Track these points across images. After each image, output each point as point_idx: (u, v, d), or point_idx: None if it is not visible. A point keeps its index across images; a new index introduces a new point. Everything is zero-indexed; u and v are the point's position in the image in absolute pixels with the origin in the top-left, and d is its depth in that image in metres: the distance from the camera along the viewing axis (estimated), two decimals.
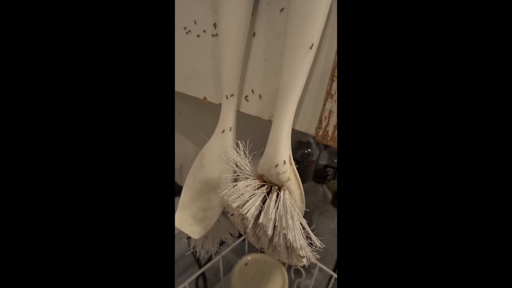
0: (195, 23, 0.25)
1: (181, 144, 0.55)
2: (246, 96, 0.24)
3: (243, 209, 0.19)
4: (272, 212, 0.19)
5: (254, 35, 0.22)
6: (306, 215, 0.68)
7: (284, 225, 0.18)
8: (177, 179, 0.56)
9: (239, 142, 0.22)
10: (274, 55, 0.21)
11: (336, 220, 0.51)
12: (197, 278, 0.47)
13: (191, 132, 0.55)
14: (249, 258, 0.47)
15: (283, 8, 0.20)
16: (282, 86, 0.19)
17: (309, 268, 0.50)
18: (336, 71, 0.18)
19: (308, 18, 0.16)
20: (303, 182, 0.70)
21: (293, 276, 0.49)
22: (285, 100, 0.19)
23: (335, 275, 0.45)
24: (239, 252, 0.54)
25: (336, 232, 0.50)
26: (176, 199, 0.55)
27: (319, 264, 0.45)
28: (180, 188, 0.54)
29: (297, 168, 0.63)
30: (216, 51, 0.24)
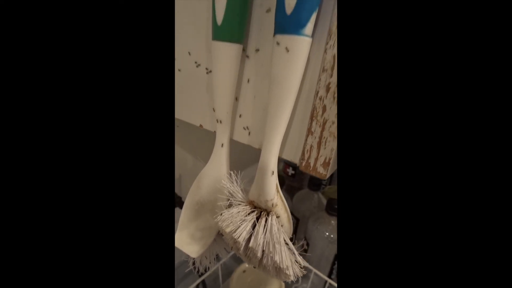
0: (189, 54, 0.27)
1: (180, 156, 0.58)
2: (238, 122, 0.26)
3: (235, 234, 0.21)
4: (260, 237, 0.21)
5: (244, 75, 0.24)
6: (301, 222, 0.70)
7: (271, 249, 0.21)
8: (176, 189, 0.58)
9: (232, 172, 0.24)
10: (262, 92, 0.23)
11: (330, 227, 0.53)
12: (197, 285, 0.49)
13: (189, 144, 0.57)
14: (247, 266, 0.49)
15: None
16: (269, 120, 0.21)
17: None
18: (315, 112, 0.20)
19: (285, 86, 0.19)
20: (299, 189, 0.73)
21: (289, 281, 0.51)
22: (272, 133, 0.21)
23: (329, 280, 0.48)
24: (238, 258, 0.56)
25: (330, 239, 0.53)
26: (176, 210, 0.58)
27: (314, 270, 0.47)
28: (179, 199, 0.57)
29: (293, 175, 0.65)
30: (210, 85, 0.27)
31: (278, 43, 0.18)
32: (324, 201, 0.63)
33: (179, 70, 0.28)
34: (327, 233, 0.53)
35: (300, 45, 0.18)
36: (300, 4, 0.16)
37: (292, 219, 0.66)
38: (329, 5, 0.17)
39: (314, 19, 0.17)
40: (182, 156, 0.57)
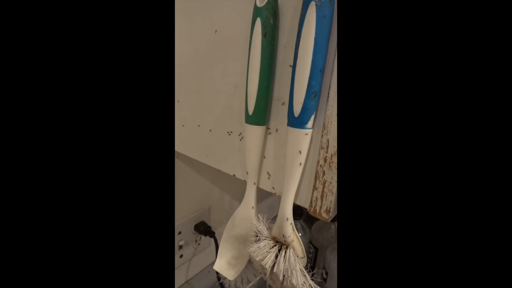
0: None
1: (209, 189, 0.67)
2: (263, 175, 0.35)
3: (263, 262, 0.30)
4: (281, 265, 0.29)
5: (267, 144, 0.33)
6: (320, 251, 0.77)
7: (289, 274, 0.28)
8: (206, 219, 0.67)
9: (259, 215, 0.33)
10: (281, 157, 0.32)
11: None
12: None
13: (216, 178, 0.67)
14: None
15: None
16: (286, 177, 0.30)
17: None
18: (317, 174, 0.29)
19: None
20: (316, 221, 0.81)
21: None
22: (287, 191, 0.30)
23: None
24: (264, 282, 0.62)
25: None
26: (205, 238, 0.67)
27: None
28: (209, 228, 0.66)
29: None
30: (242, 148, 0.36)
31: (291, 133, 0.28)
32: None
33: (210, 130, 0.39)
34: None
35: (305, 134, 0.27)
36: (302, 111, 0.26)
37: (311, 248, 0.73)
38: (322, 108, 0.27)
39: (313, 118, 0.26)
40: (211, 190, 0.67)
